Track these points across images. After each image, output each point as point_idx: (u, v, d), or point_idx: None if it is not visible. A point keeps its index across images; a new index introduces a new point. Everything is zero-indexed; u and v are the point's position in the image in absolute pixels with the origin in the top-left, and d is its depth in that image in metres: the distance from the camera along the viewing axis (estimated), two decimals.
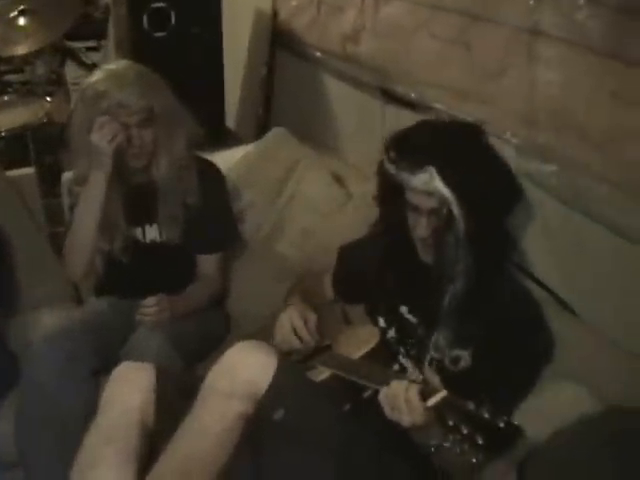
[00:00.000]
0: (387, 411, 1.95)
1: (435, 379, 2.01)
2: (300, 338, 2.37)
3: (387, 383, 1.97)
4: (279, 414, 2.08)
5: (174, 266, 2.97)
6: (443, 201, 2.13)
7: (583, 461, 1.88)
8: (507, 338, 2.15)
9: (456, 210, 2.12)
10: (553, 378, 2.22)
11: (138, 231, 2.96)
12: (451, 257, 2.17)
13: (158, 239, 2.96)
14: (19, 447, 2.60)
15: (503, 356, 2.14)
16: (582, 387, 2.14)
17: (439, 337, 2.25)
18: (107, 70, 2.81)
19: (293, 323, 2.37)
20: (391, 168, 2.24)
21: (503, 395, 2.05)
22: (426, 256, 2.29)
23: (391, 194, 2.29)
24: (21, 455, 2.61)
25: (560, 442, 1.97)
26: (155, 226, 2.95)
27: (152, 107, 2.75)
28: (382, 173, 2.31)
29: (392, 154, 2.25)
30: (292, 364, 2.27)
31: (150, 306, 2.72)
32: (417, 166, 2.15)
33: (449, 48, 2.92)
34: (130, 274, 2.97)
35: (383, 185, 2.34)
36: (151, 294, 2.76)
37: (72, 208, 2.95)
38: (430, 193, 2.14)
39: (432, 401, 1.85)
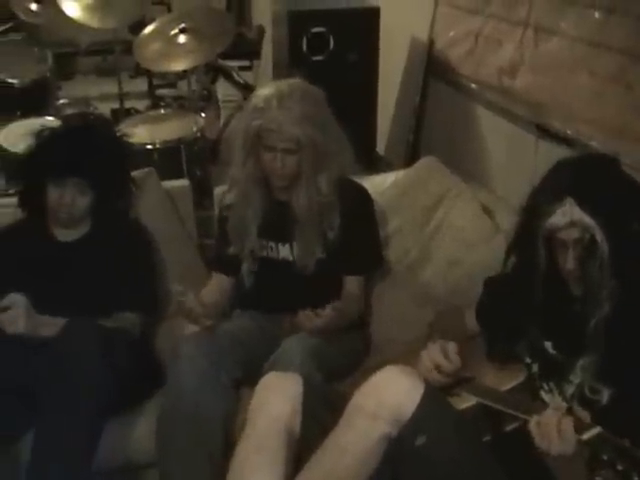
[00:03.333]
0: (537, 440, 1.95)
1: (582, 414, 2.00)
2: (443, 373, 2.36)
3: (537, 413, 1.97)
4: (421, 440, 2.10)
5: (319, 284, 2.97)
6: (585, 229, 2.12)
7: None
8: None
9: (598, 236, 2.10)
10: None
11: (285, 248, 3.01)
12: (597, 283, 2.14)
13: None
14: (157, 448, 2.67)
15: None
16: None
17: (587, 361, 2.22)
18: (274, 86, 2.86)
19: (434, 360, 2.36)
20: (532, 212, 2.25)
21: None
22: (576, 289, 2.28)
23: (534, 236, 2.27)
24: (159, 456, 2.67)
25: None
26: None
27: (299, 138, 2.76)
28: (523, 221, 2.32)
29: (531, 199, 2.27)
30: (438, 392, 2.26)
31: (301, 321, 2.74)
32: (556, 201, 2.15)
33: (608, 86, 2.91)
34: (275, 290, 3.02)
35: (524, 229, 2.34)
36: (294, 311, 2.78)
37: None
38: (572, 223, 2.13)
39: (587, 435, 1.85)
